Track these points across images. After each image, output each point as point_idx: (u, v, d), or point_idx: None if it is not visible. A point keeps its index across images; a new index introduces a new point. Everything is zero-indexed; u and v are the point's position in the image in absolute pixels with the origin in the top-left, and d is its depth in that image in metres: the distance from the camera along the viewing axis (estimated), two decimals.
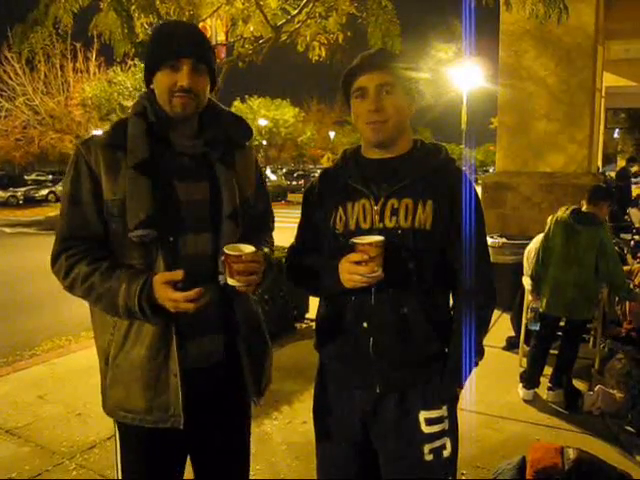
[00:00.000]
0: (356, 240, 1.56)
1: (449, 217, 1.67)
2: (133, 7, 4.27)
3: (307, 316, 6.00)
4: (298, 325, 5.89)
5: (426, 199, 1.66)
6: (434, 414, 1.71)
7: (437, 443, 1.71)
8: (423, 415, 1.70)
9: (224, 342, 1.75)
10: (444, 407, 1.73)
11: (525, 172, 7.74)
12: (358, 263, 1.55)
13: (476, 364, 1.76)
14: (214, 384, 1.76)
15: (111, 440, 3.35)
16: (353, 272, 1.57)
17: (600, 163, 14.47)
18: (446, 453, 1.72)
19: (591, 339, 5.01)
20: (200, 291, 1.52)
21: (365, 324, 1.69)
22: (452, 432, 1.75)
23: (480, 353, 1.77)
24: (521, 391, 4.18)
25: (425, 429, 1.70)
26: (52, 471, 3.18)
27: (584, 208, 4.19)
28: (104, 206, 1.64)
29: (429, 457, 1.70)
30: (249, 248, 1.58)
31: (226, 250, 1.56)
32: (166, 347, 1.64)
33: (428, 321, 1.68)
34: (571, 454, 2.79)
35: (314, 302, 5.79)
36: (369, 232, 1.65)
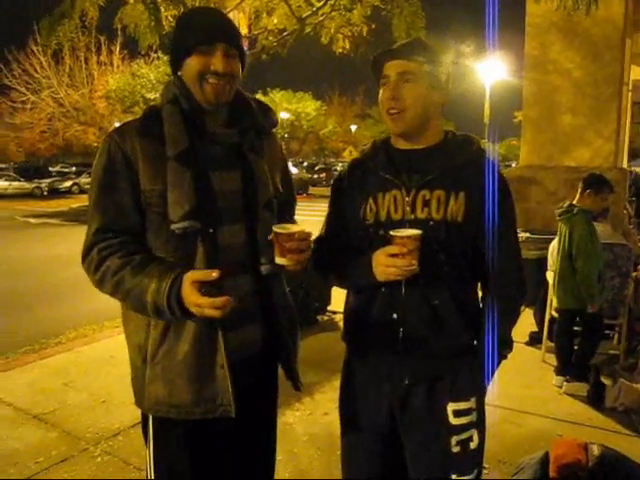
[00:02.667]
0: (394, 233, 1.54)
1: (481, 209, 1.65)
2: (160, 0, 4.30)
3: (329, 308, 6.01)
4: (320, 317, 5.90)
5: (458, 191, 1.65)
6: (462, 406, 1.70)
7: (464, 435, 1.70)
8: (451, 407, 1.70)
9: (262, 331, 1.74)
10: (473, 399, 1.72)
11: (550, 166, 7.65)
12: (395, 256, 1.54)
13: (505, 357, 1.75)
14: (253, 374, 1.75)
15: (135, 428, 3.41)
16: (390, 265, 1.56)
17: (626, 158, 14.22)
18: (473, 445, 1.71)
19: (615, 335, 4.96)
20: (227, 300, 1.45)
21: (395, 315, 1.68)
22: (480, 424, 1.74)
23: (509, 345, 1.76)
24: (565, 385, 4.15)
25: (453, 421, 1.69)
26: (78, 457, 3.23)
27: (574, 201, 4.24)
28: (141, 196, 1.59)
29: (456, 449, 1.69)
30: (297, 226, 1.59)
31: (276, 229, 1.55)
32: (211, 341, 1.61)
33: (458, 313, 1.67)
34: (595, 450, 2.77)
35: (336, 294, 5.79)
36: (400, 223, 1.64)
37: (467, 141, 1.75)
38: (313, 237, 1.93)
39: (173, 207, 1.55)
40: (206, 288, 1.46)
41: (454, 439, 1.70)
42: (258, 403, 1.82)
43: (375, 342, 1.74)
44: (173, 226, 1.56)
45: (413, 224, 1.61)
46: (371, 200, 1.71)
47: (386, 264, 1.57)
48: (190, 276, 1.48)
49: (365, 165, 1.80)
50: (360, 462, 1.84)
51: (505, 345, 1.74)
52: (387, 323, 1.69)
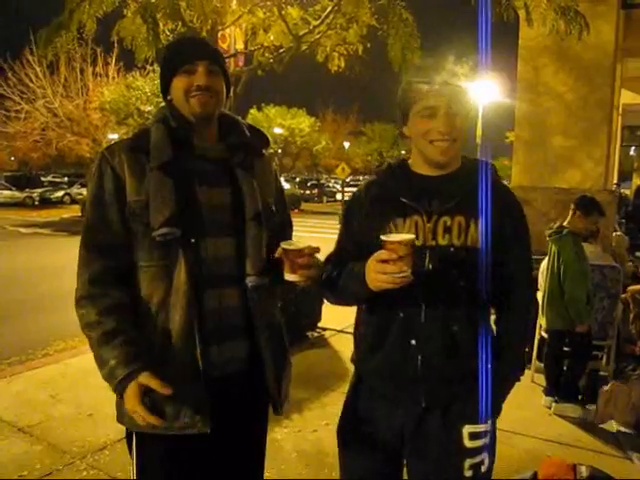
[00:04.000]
0: (385, 238, 1.51)
1: (499, 234, 1.65)
2: (159, 14, 4.33)
3: (319, 325, 5.99)
4: (309, 334, 5.88)
5: (478, 217, 1.64)
6: (479, 428, 1.69)
7: (477, 459, 1.68)
8: (468, 429, 1.67)
9: (247, 348, 1.74)
10: (489, 422, 1.71)
11: (541, 187, 7.71)
12: (385, 262, 1.50)
13: (518, 379, 1.76)
14: (236, 390, 1.73)
15: (121, 442, 3.36)
16: (380, 271, 1.51)
17: (615, 180, 14.38)
18: (483, 469, 1.69)
19: (604, 357, 4.98)
20: (160, 423, 1.56)
21: (414, 341, 1.65)
22: (491, 447, 1.73)
23: (522, 368, 1.79)
24: (554, 406, 4.17)
25: (468, 443, 1.67)
26: (63, 471, 3.19)
27: (565, 222, 4.32)
28: (127, 207, 1.63)
29: (468, 473, 1.66)
30: (302, 243, 1.60)
31: (284, 245, 1.57)
32: (190, 357, 1.62)
33: (476, 337, 1.66)
34: (584, 471, 2.77)
35: (326, 311, 5.79)
36: (421, 249, 1.62)
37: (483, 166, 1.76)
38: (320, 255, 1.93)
39: (154, 215, 1.60)
40: (151, 397, 1.55)
41: (467, 462, 1.67)
42: (245, 420, 1.81)
43: (390, 367, 1.71)
44: (154, 233, 1.60)
45: (435, 250, 1.61)
46: (392, 225, 1.68)
47: (376, 270, 1.53)
48: (144, 379, 1.54)
49: (384, 189, 1.77)
50: None
51: (519, 367, 1.76)
52: (405, 349, 1.67)
